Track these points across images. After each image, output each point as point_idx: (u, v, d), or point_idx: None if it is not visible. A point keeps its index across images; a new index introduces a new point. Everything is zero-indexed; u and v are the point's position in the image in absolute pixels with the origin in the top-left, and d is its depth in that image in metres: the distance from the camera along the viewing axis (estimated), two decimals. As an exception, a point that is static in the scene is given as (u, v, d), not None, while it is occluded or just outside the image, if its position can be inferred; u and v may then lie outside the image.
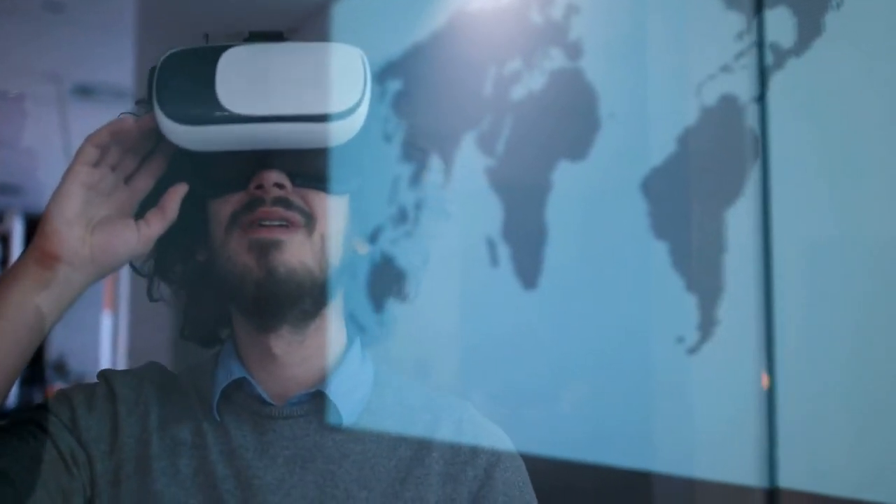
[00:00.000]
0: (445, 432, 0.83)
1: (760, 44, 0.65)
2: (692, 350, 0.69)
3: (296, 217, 0.82)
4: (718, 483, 0.66)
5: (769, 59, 0.65)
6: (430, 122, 0.94)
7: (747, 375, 0.66)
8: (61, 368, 5.70)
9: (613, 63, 0.77)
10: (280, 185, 0.82)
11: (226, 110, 0.78)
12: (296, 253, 0.81)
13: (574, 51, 0.80)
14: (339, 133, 0.78)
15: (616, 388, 0.76)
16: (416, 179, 0.94)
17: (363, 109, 0.78)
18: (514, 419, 0.88)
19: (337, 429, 0.83)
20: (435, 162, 0.92)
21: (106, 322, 5.88)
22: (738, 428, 0.67)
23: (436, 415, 0.85)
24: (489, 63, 0.87)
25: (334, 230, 0.82)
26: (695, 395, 0.68)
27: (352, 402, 0.84)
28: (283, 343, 0.85)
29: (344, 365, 0.86)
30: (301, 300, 0.82)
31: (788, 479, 0.63)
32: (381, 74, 0.97)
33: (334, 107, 0.76)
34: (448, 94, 0.95)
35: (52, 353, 5.97)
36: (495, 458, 0.81)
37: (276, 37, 0.85)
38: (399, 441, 0.82)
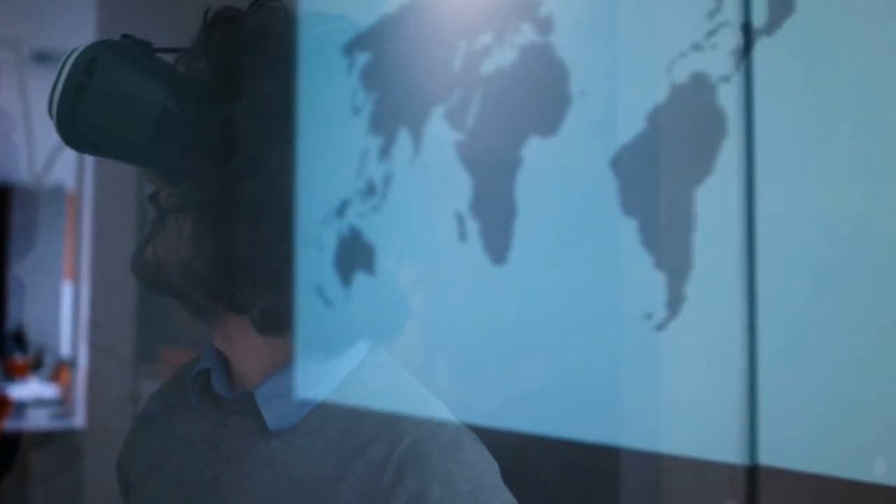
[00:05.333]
0: (376, 452, 0.75)
1: (748, 24, 0.65)
2: (660, 326, 0.69)
3: (160, 210, 0.82)
4: (690, 459, 0.67)
5: (741, 38, 0.66)
6: (399, 96, 0.94)
7: (723, 351, 0.67)
8: (20, 339, 5.64)
9: (584, 39, 0.77)
10: (150, 181, 0.83)
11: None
12: (156, 246, 0.81)
13: (545, 26, 0.79)
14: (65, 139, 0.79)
15: (584, 363, 0.77)
16: (384, 153, 0.94)
17: (61, 121, 0.77)
18: (481, 394, 0.88)
19: (273, 431, 0.78)
20: (403, 135, 0.92)
21: (66, 292, 5.81)
22: (713, 404, 0.68)
23: (381, 430, 0.77)
24: (459, 37, 0.86)
25: (189, 225, 0.81)
26: (664, 371, 0.69)
27: (284, 405, 0.78)
28: (215, 338, 0.85)
29: (288, 365, 0.82)
30: (179, 294, 0.81)
31: (768, 456, 0.64)
32: (350, 47, 0.96)
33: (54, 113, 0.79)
34: (417, 67, 0.94)
35: (10, 323, 5.90)
36: (423, 489, 0.73)
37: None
38: (328, 455, 0.76)
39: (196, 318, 0.84)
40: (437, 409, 0.78)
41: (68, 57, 0.80)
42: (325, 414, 0.78)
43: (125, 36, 0.83)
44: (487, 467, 0.74)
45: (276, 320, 0.79)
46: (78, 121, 0.79)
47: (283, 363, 0.80)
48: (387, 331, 0.84)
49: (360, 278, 0.80)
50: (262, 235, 0.77)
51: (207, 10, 0.82)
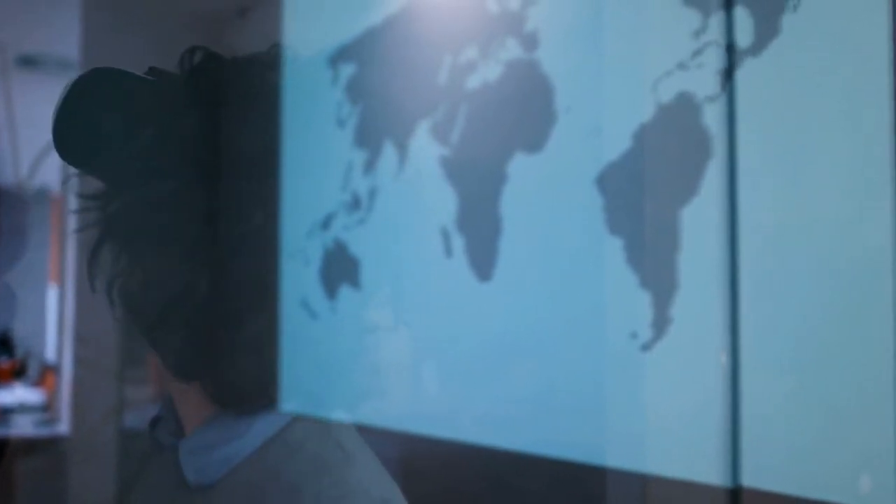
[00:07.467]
0: None
1: (730, 44, 0.65)
2: (646, 347, 0.69)
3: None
4: (675, 480, 0.67)
5: (729, 58, 0.65)
6: (384, 109, 0.93)
7: (707, 372, 0.67)
8: (6, 343, 5.59)
9: (570, 56, 0.77)
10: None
11: None
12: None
13: (531, 42, 0.79)
14: None
15: (568, 382, 0.76)
16: (369, 166, 0.93)
17: None
18: (465, 411, 0.88)
19: (194, 487, 0.76)
20: (387, 149, 0.91)
21: (52, 295, 5.77)
22: (697, 425, 0.68)
23: (285, 500, 0.70)
24: (444, 51, 0.86)
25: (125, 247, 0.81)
26: (650, 392, 0.69)
27: (206, 460, 0.75)
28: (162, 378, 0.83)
29: (217, 417, 0.78)
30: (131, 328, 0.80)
31: (751, 477, 0.64)
32: (334, 58, 0.95)
33: None
34: (402, 80, 0.93)
35: (-4, 328, 5.85)
36: None
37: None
38: None
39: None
40: (354, 483, 0.73)
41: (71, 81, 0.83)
42: (245, 474, 0.74)
43: (151, 69, 0.83)
44: None
45: (187, 365, 0.76)
46: (68, 139, 0.81)
47: (213, 414, 0.76)
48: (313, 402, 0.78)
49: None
50: (191, 270, 0.74)
51: (192, 49, 0.81)
